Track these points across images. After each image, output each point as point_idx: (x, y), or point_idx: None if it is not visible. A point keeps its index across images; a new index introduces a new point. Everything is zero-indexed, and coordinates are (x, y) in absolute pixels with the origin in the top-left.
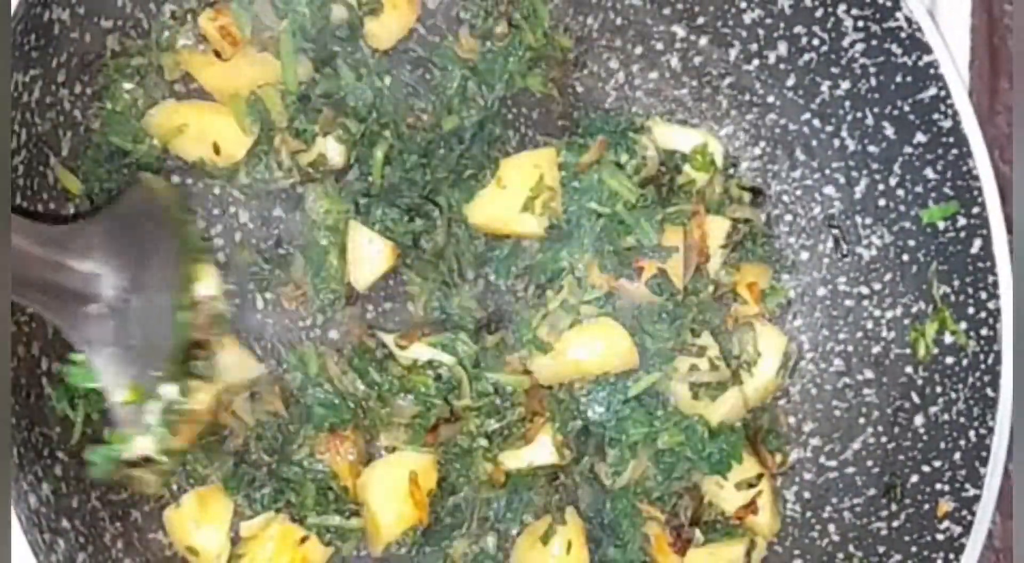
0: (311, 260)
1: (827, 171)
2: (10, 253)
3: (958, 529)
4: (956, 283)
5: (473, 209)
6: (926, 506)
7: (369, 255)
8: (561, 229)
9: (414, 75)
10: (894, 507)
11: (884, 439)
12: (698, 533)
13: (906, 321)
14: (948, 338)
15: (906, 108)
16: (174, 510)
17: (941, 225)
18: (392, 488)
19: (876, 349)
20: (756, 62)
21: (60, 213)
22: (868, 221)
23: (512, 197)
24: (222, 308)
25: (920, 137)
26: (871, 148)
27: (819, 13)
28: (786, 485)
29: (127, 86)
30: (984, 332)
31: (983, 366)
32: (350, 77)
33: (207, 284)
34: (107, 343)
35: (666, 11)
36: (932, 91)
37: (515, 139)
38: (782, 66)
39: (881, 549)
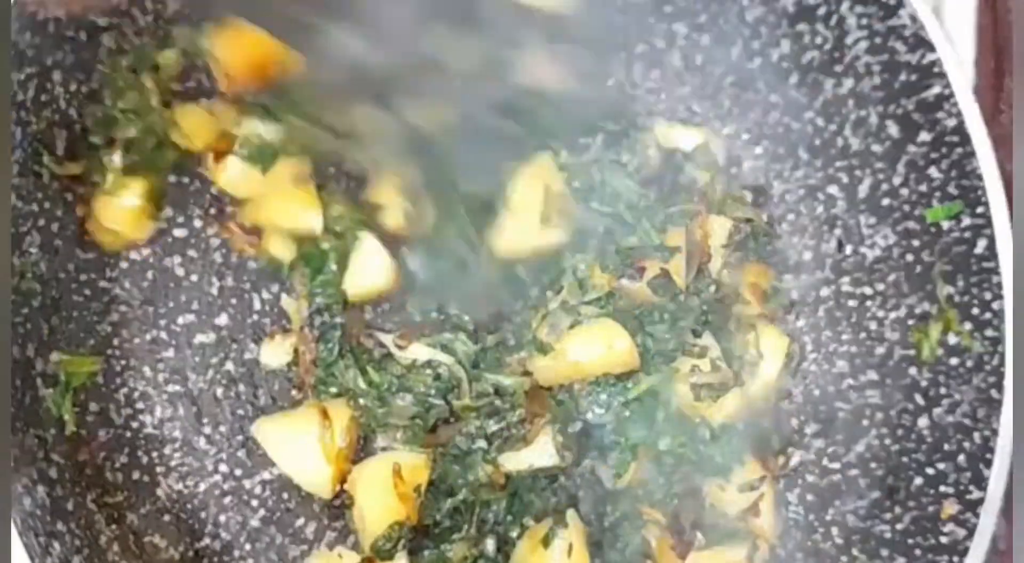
0: (311, 264)
1: (830, 170)
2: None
3: (962, 532)
4: (961, 284)
5: (496, 241)
6: (930, 509)
7: (372, 269)
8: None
9: None
10: (898, 510)
11: (888, 441)
12: (700, 536)
13: (910, 322)
14: (952, 339)
15: (910, 107)
16: None
17: (945, 225)
18: (380, 483)
19: (880, 350)
20: (759, 60)
21: None
22: (871, 221)
23: (527, 217)
24: None
25: (924, 136)
26: (874, 147)
27: (822, 11)
28: (789, 487)
29: (123, 85)
30: (989, 333)
31: (988, 367)
32: None
33: None
34: None
35: (668, 9)
36: (936, 90)
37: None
38: (785, 64)
39: (885, 552)
